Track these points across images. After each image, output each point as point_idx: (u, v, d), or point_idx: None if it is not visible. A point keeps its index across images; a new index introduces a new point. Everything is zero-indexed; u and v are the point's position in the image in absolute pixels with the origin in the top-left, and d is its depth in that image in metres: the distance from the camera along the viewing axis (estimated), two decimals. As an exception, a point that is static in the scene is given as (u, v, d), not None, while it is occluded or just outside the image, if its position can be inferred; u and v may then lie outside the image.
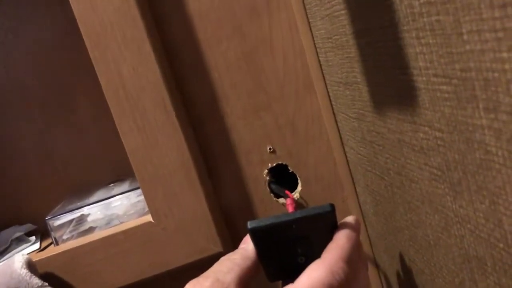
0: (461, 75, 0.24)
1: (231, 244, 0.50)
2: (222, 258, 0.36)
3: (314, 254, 0.36)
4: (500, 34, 0.20)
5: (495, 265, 0.26)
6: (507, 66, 0.20)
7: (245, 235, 0.51)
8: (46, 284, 0.41)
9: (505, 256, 0.25)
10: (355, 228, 0.36)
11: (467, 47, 0.22)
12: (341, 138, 0.50)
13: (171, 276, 0.50)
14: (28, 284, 0.40)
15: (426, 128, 0.30)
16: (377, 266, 0.53)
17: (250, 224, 0.36)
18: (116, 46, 0.43)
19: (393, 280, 0.48)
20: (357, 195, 0.52)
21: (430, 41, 0.26)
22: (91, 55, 0.44)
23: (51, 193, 0.60)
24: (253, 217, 0.51)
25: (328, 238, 0.36)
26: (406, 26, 0.28)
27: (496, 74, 0.21)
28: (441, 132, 0.28)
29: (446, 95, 0.26)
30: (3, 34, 0.58)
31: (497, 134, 0.22)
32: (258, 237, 0.37)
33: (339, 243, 0.34)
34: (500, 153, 0.23)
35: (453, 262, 0.32)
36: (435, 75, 0.26)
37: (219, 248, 0.47)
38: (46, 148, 0.60)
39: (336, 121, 0.50)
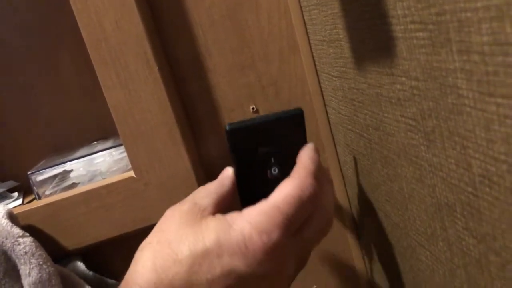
0: (436, 19, 0.24)
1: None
2: (199, 188, 0.39)
3: (287, 166, 0.38)
4: (473, -29, 0.20)
5: (463, 210, 0.27)
6: (479, 4, 0.20)
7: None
8: (27, 234, 0.42)
9: (473, 200, 0.26)
10: (315, 150, 0.38)
11: (442, -12, 0.23)
12: (323, 99, 0.51)
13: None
14: (9, 233, 0.41)
15: (403, 79, 0.30)
16: (356, 224, 0.54)
17: (228, 126, 0.39)
18: (98, -2, 0.43)
19: (371, 237, 0.49)
20: (337, 156, 0.52)
21: (408, -14, 0.26)
22: (73, 7, 0.43)
23: (34, 150, 0.60)
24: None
25: (298, 150, 0.39)
26: (386, -26, 0.28)
27: (469, 14, 0.21)
28: (417, 81, 0.28)
29: (422, 42, 0.26)
30: (-16, -12, 0.57)
31: (468, 76, 0.23)
32: (236, 138, 0.39)
33: (305, 163, 0.36)
34: (470, 95, 0.23)
35: (426, 212, 0.33)
36: (412, 22, 0.27)
37: (200, 205, 0.48)
38: (29, 105, 0.59)
39: (319, 82, 0.50)
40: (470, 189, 0.26)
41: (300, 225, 0.34)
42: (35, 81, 0.59)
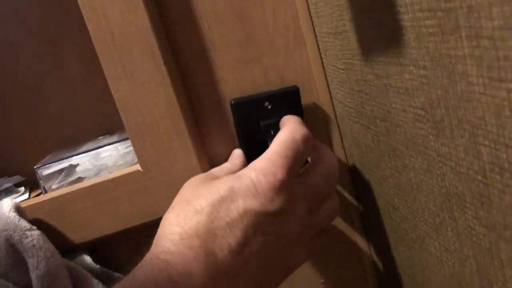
0: (445, 6, 0.24)
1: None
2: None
3: None
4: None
5: (473, 198, 0.27)
6: (489, -12, 0.20)
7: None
8: (35, 227, 0.42)
9: (483, 188, 0.26)
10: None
11: (452, -27, 0.22)
12: (330, 91, 0.51)
13: (159, 225, 0.51)
14: (17, 226, 0.41)
15: (411, 68, 0.30)
16: (363, 218, 0.54)
17: (233, 100, 0.47)
18: (104, -9, 0.43)
19: (379, 230, 0.49)
20: (344, 149, 0.52)
21: (417, -27, 0.26)
22: (79, 1, 0.43)
23: (40, 145, 0.60)
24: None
25: None
26: (394, -38, 0.28)
27: (479, -1, 0.21)
28: (425, 70, 0.28)
29: (431, 30, 0.26)
30: (-10, -16, 0.57)
31: (478, 62, 0.23)
32: (240, 112, 0.47)
33: (290, 117, 0.44)
34: (480, 81, 0.23)
35: (434, 203, 0.33)
36: (420, 10, 0.27)
37: (207, 198, 0.48)
38: (35, 100, 0.59)
39: (325, 75, 0.50)
40: (480, 177, 0.26)
41: (304, 168, 0.40)
42: (41, 76, 0.59)
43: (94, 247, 0.49)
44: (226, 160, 0.51)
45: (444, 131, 0.28)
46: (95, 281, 0.44)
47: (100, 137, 0.58)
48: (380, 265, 0.53)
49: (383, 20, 0.32)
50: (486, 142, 0.24)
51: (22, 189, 0.56)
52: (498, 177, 0.24)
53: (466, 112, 0.25)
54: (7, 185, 0.55)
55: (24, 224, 0.41)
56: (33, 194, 0.55)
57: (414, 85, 0.30)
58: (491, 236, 0.26)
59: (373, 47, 0.35)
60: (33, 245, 0.40)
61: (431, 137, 0.30)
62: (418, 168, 0.34)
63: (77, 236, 0.47)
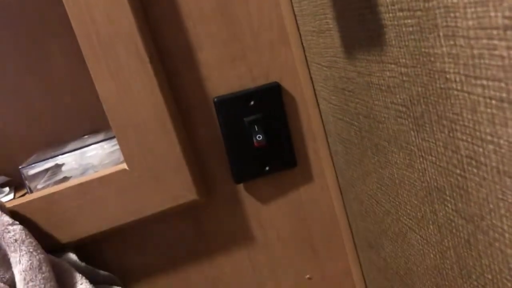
0: (424, 5, 0.25)
1: (206, 192, 0.51)
2: None
3: (270, 133, 0.49)
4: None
5: (453, 191, 0.28)
6: (464, -11, 0.21)
7: (220, 182, 0.52)
8: (17, 222, 0.41)
9: (461, 181, 0.27)
10: None
11: (430, -26, 0.23)
12: (314, 89, 0.51)
13: (146, 223, 0.51)
14: (-1, 222, 0.40)
15: (393, 66, 0.31)
16: (348, 213, 0.55)
17: (216, 98, 0.48)
18: (89, -10, 0.43)
19: (362, 225, 0.50)
20: (328, 145, 0.53)
21: (396, -26, 0.27)
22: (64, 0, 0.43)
23: (24, 145, 0.60)
24: (227, 166, 0.52)
25: (278, 117, 0.50)
26: (375, -38, 0.29)
27: (455, 0, 0.22)
28: (406, 67, 0.29)
29: (410, 29, 0.27)
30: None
31: (455, 60, 0.23)
32: (223, 109, 0.48)
33: None
34: (457, 78, 0.24)
35: (416, 197, 0.34)
36: (401, 10, 0.27)
37: (193, 196, 0.48)
38: (19, 99, 0.59)
39: (309, 72, 0.51)
40: (458, 171, 0.27)
41: None
42: (25, 76, 0.59)
43: (80, 245, 0.49)
44: (211, 158, 0.52)
45: (424, 126, 0.29)
46: (79, 275, 0.44)
47: (86, 136, 0.58)
48: (365, 259, 0.54)
49: (365, 19, 0.32)
50: (464, 137, 0.25)
51: (7, 189, 0.55)
52: (475, 170, 0.25)
53: (445, 108, 0.26)
54: (-8, 185, 0.55)
55: (6, 219, 0.41)
56: (18, 195, 0.55)
57: (395, 82, 0.31)
58: (469, 227, 0.27)
59: (355, 45, 0.36)
60: (15, 240, 0.40)
61: (412, 132, 0.31)
62: (400, 163, 0.35)
63: (64, 235, 0.47)
